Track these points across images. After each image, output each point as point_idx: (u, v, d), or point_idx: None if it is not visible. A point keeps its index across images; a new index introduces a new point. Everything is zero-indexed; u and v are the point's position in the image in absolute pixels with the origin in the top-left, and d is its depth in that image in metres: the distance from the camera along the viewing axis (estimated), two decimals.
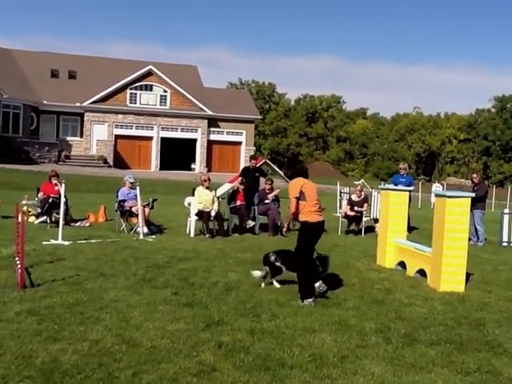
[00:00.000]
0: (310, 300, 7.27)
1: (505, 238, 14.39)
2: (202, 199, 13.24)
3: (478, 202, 13.09)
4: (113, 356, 5.20)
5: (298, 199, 7.51)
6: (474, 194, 9.50)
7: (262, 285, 8.13)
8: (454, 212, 8.52)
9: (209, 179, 13.60)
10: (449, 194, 8.83)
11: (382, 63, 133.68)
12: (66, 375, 4.73)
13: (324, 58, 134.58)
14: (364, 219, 15.02)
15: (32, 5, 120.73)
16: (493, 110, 76.65)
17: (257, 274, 8.19)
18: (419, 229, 15.95)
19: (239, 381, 4.79)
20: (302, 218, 7.60)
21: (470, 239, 11.04)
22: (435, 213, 8.96)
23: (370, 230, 15.13)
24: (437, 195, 9.22)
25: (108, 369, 4.91)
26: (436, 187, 30.06)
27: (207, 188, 13.42)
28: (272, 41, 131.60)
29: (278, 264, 8.20)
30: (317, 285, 7.59)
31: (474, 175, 14.56)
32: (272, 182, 14.79)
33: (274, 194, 14.35)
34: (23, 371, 4.78)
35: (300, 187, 7.48)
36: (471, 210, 9.31)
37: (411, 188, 13.04)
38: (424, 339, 6.14)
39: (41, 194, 14.16)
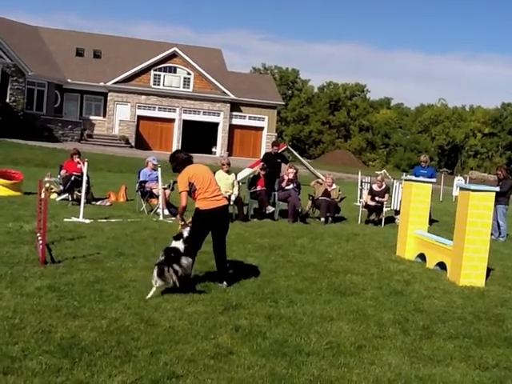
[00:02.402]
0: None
1: None
2: (221, 183, 13.16)
3: (501, 197, 12.93)
4: (131, 335, 5.24)
5: (189, 192, 7.11)
6: (498, 189, 9.37)
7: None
8: (477, 206, 8.41)
9: (228, 163, 13.52)
10: (473, 187, 8.71)
11: (408, 52, 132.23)
12: (85, 351, 4.77)
13: (349, 45, 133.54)
14: (384, 210, 14.93)
15: None
16: None
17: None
18: (439, 221, 15.82)
19: (256, 365, 4.79)
20: (195, 204, 7.19)
21: (491, 234, 10.90)
22: (458, 206, 8.86)
23: (390, 220, 15.05)
24: (461, 188, 9.11)
25: (126, 347, 4.94)
26: (458, 180, 29.79)
27: (227, 172, 13.37)
28: (297, 26, 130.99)
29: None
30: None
31: (499, 172, 14.38)
32: (297, 170, 14.74)
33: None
34: (42, 346, 4.83)
35: (187, 179, 7.03)
36: (494, 205, 9.18)
37: (433, 180, 12.90)
38: (442, 332, 6.10)
39: (63, 172, 14.28)
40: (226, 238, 7.40)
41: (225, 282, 7.16)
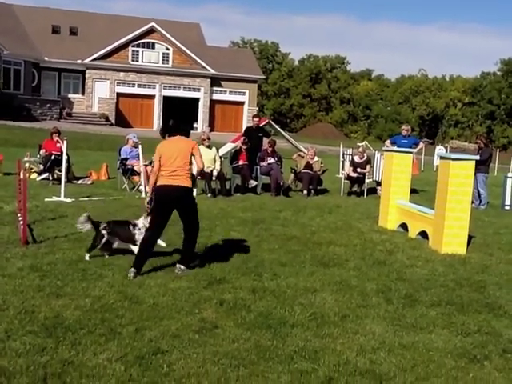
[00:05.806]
0: (130, 270, 6.42)
1: (507, 202, 14.37)
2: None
3: (481, 166, 12.99)
4: (115, 312, 5.23)
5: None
6: (478, 157, 9.42)
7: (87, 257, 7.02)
8: (458, 175, 8.46)
9: (208, 138, 13.49)
10: (453, 156, 8.77)
11: (388, 23, 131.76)
12: (69, 330, 4.76)
13: (329, 17, 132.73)
14: (366, 181, 14.99)
15: None
16: (498, 73, 75.69)
17: None
18: (420, 191, 15.91)
19: (241, 338, 4.82)
20: None
21: (472, 202, 10.99)
22: (439, 175, 8.91)
23: (372, 191, 15.12)
24: (441, 157, 9.15)
25: (110, 325, 4.94)
26: (439, 150, 29.94)
27: (208, 147, 13.33)
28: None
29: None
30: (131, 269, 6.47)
31: (479, 140, 14.45)
32: (274, 143, 14.68)
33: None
34: (26, 326, 4.81)
35: (158, 153, 6.79)
36: (474, 174, 9.23)
37: (421, 145, 12.94)
38: (425, 300, 6.17)
39: (43, 151, 14.13)
40: (192, 222, 6.90)
41: (180, 266, 6.69)
